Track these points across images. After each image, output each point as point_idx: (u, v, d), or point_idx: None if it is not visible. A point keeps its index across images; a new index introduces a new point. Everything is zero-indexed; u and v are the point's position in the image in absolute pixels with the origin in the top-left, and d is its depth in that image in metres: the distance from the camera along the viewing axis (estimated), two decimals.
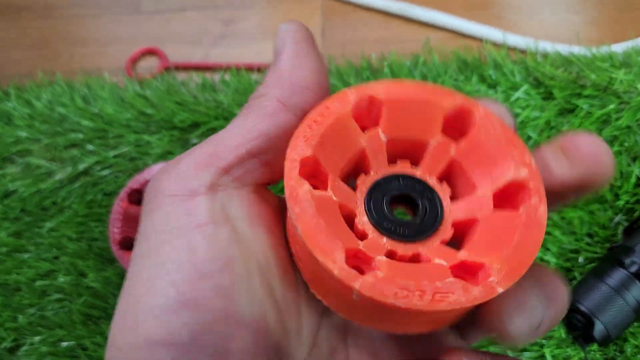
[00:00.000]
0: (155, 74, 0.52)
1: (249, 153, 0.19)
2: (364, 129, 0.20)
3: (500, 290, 0.17)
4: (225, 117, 0.43)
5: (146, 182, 0.35)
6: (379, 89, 0.20)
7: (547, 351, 0.35)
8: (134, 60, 0.54)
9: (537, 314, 0.18)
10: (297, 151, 0.18)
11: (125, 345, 0.17)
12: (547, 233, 0.38)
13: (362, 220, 0.19)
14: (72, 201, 0.44)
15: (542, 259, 0.38)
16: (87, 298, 0.40)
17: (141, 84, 0.49)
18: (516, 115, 0.41)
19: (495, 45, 0.48)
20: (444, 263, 0.18)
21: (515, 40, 0.47)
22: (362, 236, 0.19)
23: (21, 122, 0.46)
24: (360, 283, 0.16)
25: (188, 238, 0.18)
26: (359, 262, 0.18)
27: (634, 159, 0.39)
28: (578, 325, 0.35)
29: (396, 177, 0.20)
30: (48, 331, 0.39)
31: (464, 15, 0.52)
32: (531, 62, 0.43)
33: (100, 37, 0.56)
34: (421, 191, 0.20)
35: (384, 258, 0.18)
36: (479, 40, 0.49)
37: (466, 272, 0.18)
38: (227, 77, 0.49)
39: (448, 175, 0.20)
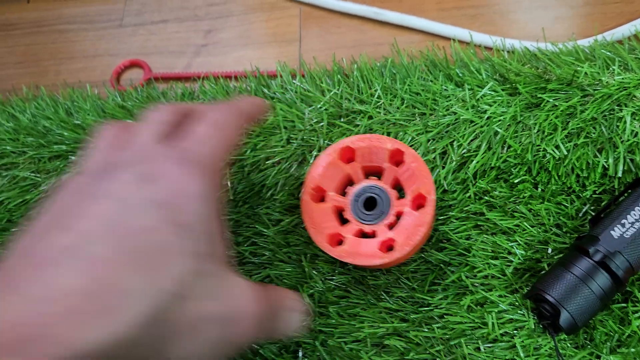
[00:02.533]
0: (137, 85, 0.53)
1: None
2: (347, 162, 0.38)
3: (397, 255, 0.34)
4: None
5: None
6: (353, 140, 0.37)
7: (517, 341, 0.35)
8: (119, 73, 0.56)
9: None
10: (309, 182, 0.37)
11: None
12: (516, 225, 0.39)
13: (348, 213, 0.37)
14: None
15: (510, 252, 0.38)
16: None
17: (122, 95, 0.50)
18: (483, 112, 0.42)
19: (465, 44, 0.49)
20: (380, 239, 0.35)
21: (482, 39, 0.48)
22: (346, 222, 0.36)
23: (6, 135, 0.47)
24: (334, 250, 0.35)
25: None
26: (339, 238, 0.36)
27: (600, 151, 0.40)
28: (546, 315, 0.35)
29: (369, 187, 0.37)
30: None
31: (438, 17, 0.53)
32: (497, 59, 0.44)
33: (86, 52, 0.58)
34: (380, 194, 0.37)
35: (351, 236, 0.36)
36: (450, 40, 0.50)
37: (388, 245, 0.35)
38: (206, 86, 0.50)
39: (397, 185, 0.37)
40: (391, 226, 0.36)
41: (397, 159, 0.37)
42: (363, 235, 0.36)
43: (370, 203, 0.37)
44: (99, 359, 0.19)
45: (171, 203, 0.23)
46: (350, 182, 0.38)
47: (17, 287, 0.20)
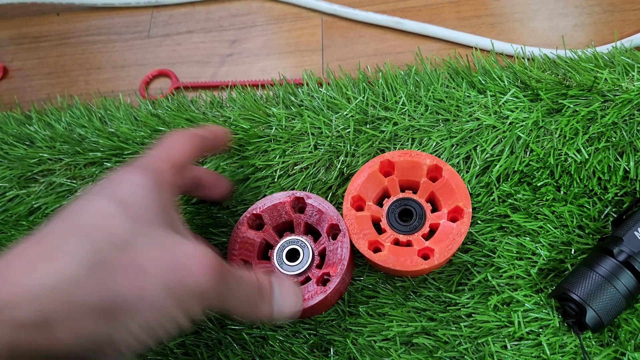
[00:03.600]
0: (167, 94, 0.55)
1: None
2: (386, 175, 0.40)
3: (436, 262, 0.36)
4: (232, 131, 0.46)
5: (267, 209, 0.40)
6: (393, 155, 0.40)
7: (543, 339, 0.37)
8: (147, 83, 0.58)
9: None
10: (350, 191, 0.39)
11: None
12: (540, 227, 0.40)
13: (384, 223, 0.39)
14: None
15: (534, 253, 0.39)
16: None
17: (153, 103, 0.52)
18: (506, 117, 0.43)
19: (485, 52, 0.51)
20: (417, 248, 0.38)
21: (503, 46, 0.49)
22: (383, 231, 0.39)
23: (43, 143, 0.49)
24: (375, 256, 0.37)
25: None
26: (377, 245, 0.38)
27: (621, 154, 0.41)
28: (572, 314, 0.36)
29: (404, 199, 0.40)
30: None
31: (458, 25, 0.55)
32: (519, 66, 0.45)
33: (114, 63, 0.60)
34: (415, 207, 0.39)
35: (389, 244, 0.38)
36: (471, 48, 0.52)
37: (425, 253, 0.38)
38: (234, 94, 0.51)
39: (431, 199, 0.40)
40: (425, 237, 0.38)
41: (434, 174, 0.40)
42: (397, 244, 0.39)
43: (406, 215, 0.39)
44: (51, 297, 0.24)
45: (116, 189, 0.30)
46: (387, 195, 0.40)
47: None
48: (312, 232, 0.41)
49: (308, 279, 0.38)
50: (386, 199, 0.40)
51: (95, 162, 0.48)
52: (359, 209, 0.39)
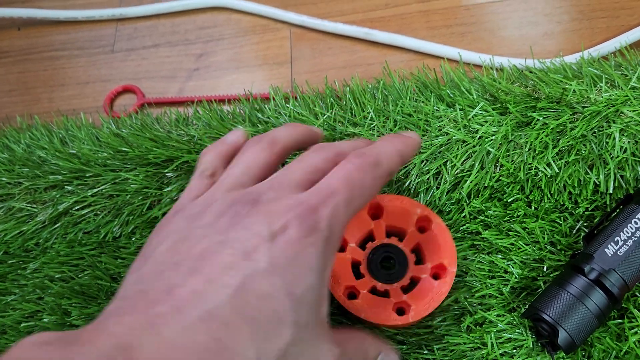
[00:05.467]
0: (131, 111, 0.53)
1: None
2: (374, 218, 0.38)
3: (411, 320, 0.35)
4: (196, 150, 0.45)
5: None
6: (383, 199, 0.38)
7: None
8: (112, 99, 0.56)
9: None
10: None
11: None
12: (511, 244, 0.39)
13: (364, 268, 0.37)
14: (54, 241, 0.45)
15: (506, 271, 0.39)
16: None
17: (117, 122, 0.50)
18: (475, 131, 0.42)
19: (455, 63, 0.50)
20: (394, 300, 0.36)
21: (471, 57, 0.49)
22: (361, 275, 0.37)
23: (1, 167, 0.47)
24: (349, 303, 0.35)
25: None
26: (352, 290, 0.36)
27: (591, 167, 0.40)
28: (544, 334, 0.36)
29: (388, 245, 0.38)
30: None
31: (428, 35, 0.54)
32: (487, 79, 0.45)
33: (78, 79, 0.58)
34: (399, 255, 0.37)
35: (365, 291, 0.36)
36: (439, 58, 0.51)
37: (401, 307, 0.36)
38: (200, 111, 0.50)
39: (417, 249, 0.38)
40: (404, 289, 0.36)
41: (423, 224, 0.38)
42: (374, 292, 0.37)
43: (387, 262, 0.38)
44: None
45: (289, 271, 0.24)
46: (371, 238, 0.38)
47: (135, 334, 0.21)
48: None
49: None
50: (370, 242, 0.38)
51: (56, 185, 0.47)
52: (340, 249, 0.37)
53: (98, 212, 0.45)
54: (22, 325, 0.42)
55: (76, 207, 0.45)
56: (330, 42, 0.56)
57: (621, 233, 0.36)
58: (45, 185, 0.47)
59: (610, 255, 0.35)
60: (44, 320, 0.42)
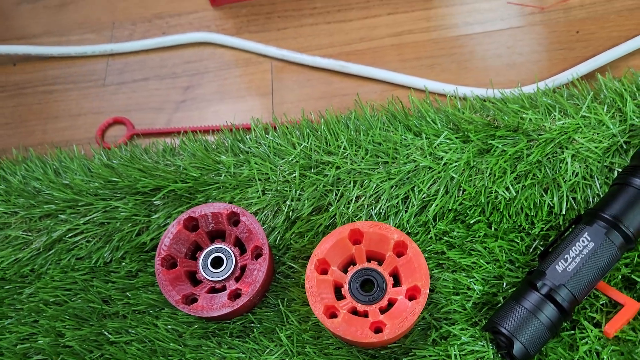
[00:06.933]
0: (121, 143, 0.56)
1: None
2: (355, 243, 0.42)
3: (386, 338, 0.37)
4: (182, 179, 0.48)
5: (204, 215, 0.43)
6: (363, 225, 0.41)
7: None
8: (103, 131, 0.59)
9: None
10: (317, 254, 0.40)
11: None
12: (474, 263, 0.43)
13: (345, 289, 0.40)
14: (48, 267, 0.48)
15: (469, 288, 0.42)
16: (64, 357, 0.43)
17: (108, 153, 0.53)
18: (440, 158, 0.46)
19: (422, 93, 0.54)
20: (371, 320, 0.39)
21: (437, 87, 0.53)
22: (343, 297, 0.40)
23: None
24: (328, 321, 0.38)
25: None
26: (333, 311, 0.39)
27: (546, 190, 0.44)
28: (503, 346, 0.39)
29: (368, 269, 0.41)
30: None
31: (400, 67, 0.58)
32: (451, 109, 0.48)
33: (71, 111, 0.61)
34: (378, 278, 0.40)
35: (345, 311, 0.39)
36: (409, 88, 0.55)
37: (378, 326, 0.38)
38: (186, 141, 0.53)
39: (395, 273, 0.41)
40: (382, 310, 0.39)
41: (400, 249, 0.41)
42: (354, 312, 0.40)
43: (367, 285, 0.41)
44: None
45: None
46: (352, 262, 0.42)
47: None
48: (240, 246, 0.44)
49: (224, 289, 0.42)
50: (352, 266, 0.41)
51: (50, 214, 0.49)
52: (323, 272, 0.41)
53: (90, 238, 0.48)
54: (18, 347, 0.44)
55: (69, 235, 0.48)
56: (308, 74, 0.59)
57: (570, 251, 0.39)
58: (40, 214, 0.50)
59: (560, 271, 0.38)
60: (39, 342, 0.44)
